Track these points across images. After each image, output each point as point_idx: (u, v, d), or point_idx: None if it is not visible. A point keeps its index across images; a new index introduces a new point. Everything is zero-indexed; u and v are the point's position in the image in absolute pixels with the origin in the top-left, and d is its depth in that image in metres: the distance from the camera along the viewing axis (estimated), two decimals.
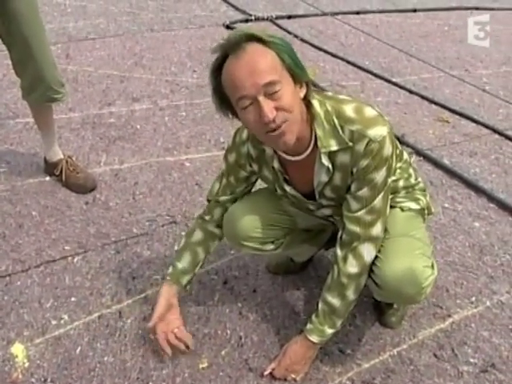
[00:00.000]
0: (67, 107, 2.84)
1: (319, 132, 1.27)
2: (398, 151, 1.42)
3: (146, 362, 1.55)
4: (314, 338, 1.45)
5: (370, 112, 1.27)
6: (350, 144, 1.25)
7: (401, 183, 1.49)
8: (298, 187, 1.44)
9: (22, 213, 2.11)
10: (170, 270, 1.60)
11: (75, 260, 1.91)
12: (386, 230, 1.39)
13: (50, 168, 2.30)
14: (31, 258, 1.89)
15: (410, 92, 3.34)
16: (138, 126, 2.76)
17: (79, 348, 1.59)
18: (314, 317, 1.46)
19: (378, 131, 1.24)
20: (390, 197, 1.40)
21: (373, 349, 1.63)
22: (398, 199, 1.49)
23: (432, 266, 1.39)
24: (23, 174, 2.34)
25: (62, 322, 1.67)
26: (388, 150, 1.26)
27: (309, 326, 1.47)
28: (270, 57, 1.17)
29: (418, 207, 1.51)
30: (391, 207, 1.42)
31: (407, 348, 1.64)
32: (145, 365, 1.54)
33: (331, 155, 1.29)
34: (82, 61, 3.42)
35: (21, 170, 2.36)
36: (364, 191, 1.30)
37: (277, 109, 1.16)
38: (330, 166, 1.30)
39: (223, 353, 1.60)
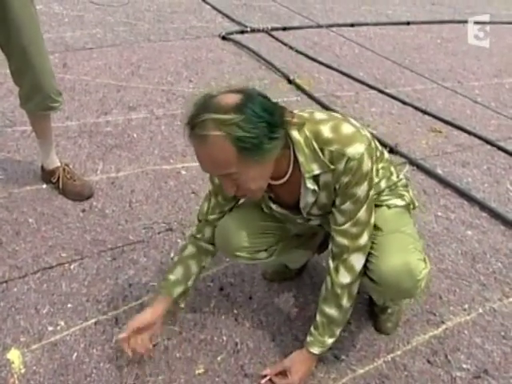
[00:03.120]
0: (64, 116, 2.86)
1: (301, 158, 1.29)
2: (378, 153, 1.44)
3: (142, 368, 1.56)
4: (316, 350, 1.48)
5: (346, 129, 1.28)
6: (332, 167, 1.28)
7: (384, 183, 1.51)
8: (284, 204, 1.47)
9: (18, 220, 2.12)
10: (162, 282, 1.58)
11: (72, 267, 1.91)
12: (377, 228, 1.42)
13: (47, 176, 2.31)
14: (28, 265, 1.90)
15: (404, 103, 3.38)
16: (135, 135, 2.78)
17: (75, 354, 1.59)
18: (312, 329, 1.48)
19: (356, 149, 1.26)
20: (375, 196, 1.43)
21: (367, 355, 1.65)
22: (382, 198, 1.51)
23: (424, 260, 1.42)
24: (20, 182, 2.34)
25: (59, 328, 1.67)
26: (367, 165, 1.29)
27: (309, 338, 1.49)
28: (228, 152, 1.16)
29: (403, 203, 1.53)
30: (378, 206, 1.46)
31: (401, 354, 1.66)
32: (141, 371, 1.55)
33: (315, 177, 1.32)
34: (79, 70, 3.44)
35: (18, 177, 2.37)
36: (347, 205, 1.33)
37: (237, 187, 1.27)
38: (316, 188, 1.33)
39: (219, 359, 1.61)
